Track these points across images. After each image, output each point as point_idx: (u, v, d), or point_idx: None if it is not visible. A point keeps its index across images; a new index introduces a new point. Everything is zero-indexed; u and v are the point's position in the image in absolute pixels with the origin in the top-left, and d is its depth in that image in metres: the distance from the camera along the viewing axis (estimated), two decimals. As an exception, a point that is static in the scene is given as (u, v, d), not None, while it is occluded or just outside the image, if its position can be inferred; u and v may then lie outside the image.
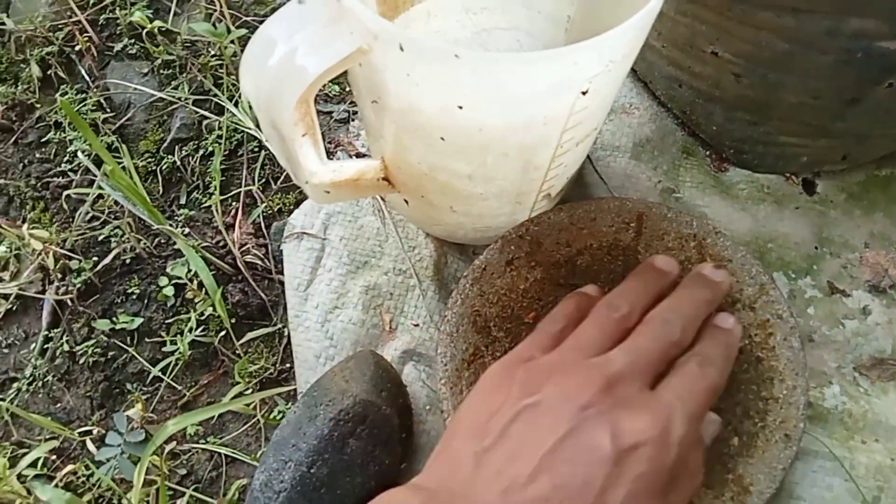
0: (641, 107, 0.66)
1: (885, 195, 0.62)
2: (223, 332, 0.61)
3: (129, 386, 0.62)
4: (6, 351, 0.65)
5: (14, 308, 0.67)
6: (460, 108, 0.37)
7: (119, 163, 0.69)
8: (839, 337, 0.57)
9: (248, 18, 0.76)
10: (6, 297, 0.66)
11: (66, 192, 0.68)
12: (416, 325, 0.59)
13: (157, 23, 0.70)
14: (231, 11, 0.76)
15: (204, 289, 0.59)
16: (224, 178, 0.67)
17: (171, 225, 0.63)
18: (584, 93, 0.38)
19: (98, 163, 0.69)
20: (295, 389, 0.58)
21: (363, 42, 0.35)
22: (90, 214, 0.67)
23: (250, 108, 0.68)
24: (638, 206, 0.55)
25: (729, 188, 0.63)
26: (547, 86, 0.37)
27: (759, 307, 0.52)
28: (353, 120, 0.68)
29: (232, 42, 0.69)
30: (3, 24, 0.77)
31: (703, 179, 0.63)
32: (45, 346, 0.64)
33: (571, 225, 0.56)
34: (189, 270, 0.62)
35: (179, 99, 0.71)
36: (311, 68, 0.35)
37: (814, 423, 0.54)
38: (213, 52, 0.72)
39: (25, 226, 0.64)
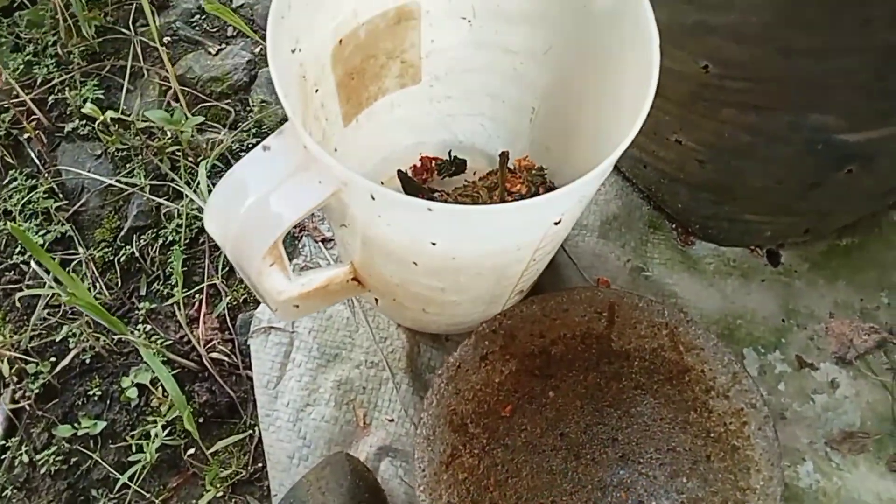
0: (607, 183, 0.66)
1: (847, 264, 0.63)
2: (198, 429, 0.59)
3: (94, 493, 0.60)
4: (-40, 460, 0.62)
5: (-34, 414, 0.63)
6: (433, 244, 0.37)
7: (74, 256, 0.67)
8: (810, 413, 0.58)
9: (204, 96, 0.74)
10: (-42, 403, 0.63)
11: (18, 294, 0.65)
12: (391, 420, 0.58)
13: (110, 113, 0.67)
14: (185, 88, 0.74)
15: (169, 395, 0.57)
16: (185, 268, 0.65)
17: (131, 320, 0.61)
18: (556, 223, 0.38)
19: (51, 252, 0.67)
20: (269, 488, 0.57)
21: (334, 188, 0.34)
22: (45, 312, 0.65)
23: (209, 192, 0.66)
24: (609, 295, 0.55)
25: (696, 262, 0.63)
26: (521, 224, 0.36)
27: (732, 395, 0.52)
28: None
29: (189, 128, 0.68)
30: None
31: (671, 255, 0.63)
32: (2, 457, 0.61)
33: (544, 317, 0.55)
34: (154, 376, 0.60)
35: (135, 185, 0.69)
36: (286, 218, 0.34)
37: (790, 504, 0.55)
38: (168, 136, 0.70)
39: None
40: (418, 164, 0.62)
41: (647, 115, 0.57)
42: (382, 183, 0.61)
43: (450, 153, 0.62)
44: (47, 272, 0.62)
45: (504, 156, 0.58)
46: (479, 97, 0.58)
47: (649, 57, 0.36)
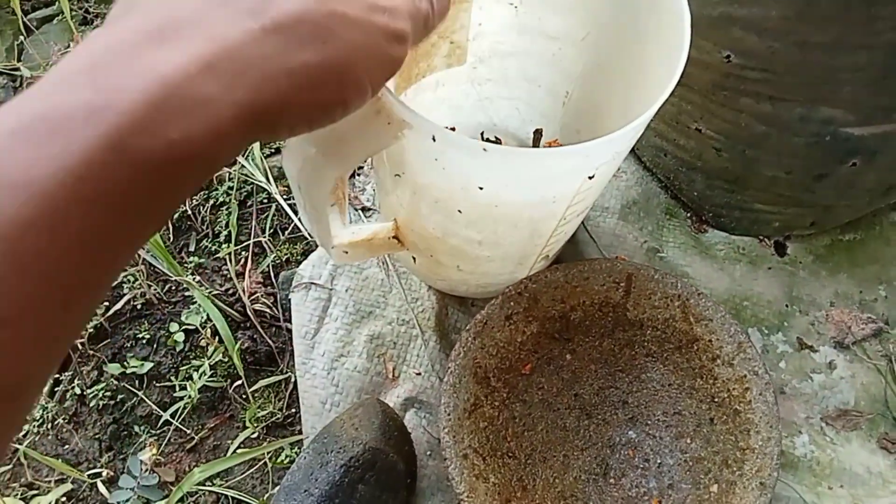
0: (629, 171, 0.71)
1: (848, 258, 0.68)
2: (235, 377, 0.64)
3: (137, 429, 0.64)
4: (14, 392, 0.67)
5: (23, 350, 0.68)
6: (481, 188, 0.42)
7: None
8: (808, 389, 0.62)
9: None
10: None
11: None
12: (418, 374, 0.63)
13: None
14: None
15: (217, 336, 0.62)
16: (233, 228, 0.70)
17: (183, 273, 0.66)
18: (590, 177, 0.42)
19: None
20: (300, 432, 0.61)
21: (399, 132, 0.39)
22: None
23: (261, 160, 0.71)
24: (627, 267, 0.60)
25: (708, 248, 0.68)
26: (561, 172, 0.41)
27: (736, 363, 0.57)
28: (358, 175, 0.72)
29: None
30: (18, 70, 0.79)
31: (685, 240, 0.68)
32: (55, 389, 0.66)
33: (566, 283, 0.60)
34: (203, 318, 0.65)
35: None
36: (353, 157, 0.39)
37: (785, 471, 0.59)
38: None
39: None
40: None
41: (670, 104, 0.62)
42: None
43: (482, 134, 0.67)
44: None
45: (538, 133, 0.63)
46: (517, 81, 0.63)
47: (681, 41, 0.41)
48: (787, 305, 0.66)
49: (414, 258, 0.58)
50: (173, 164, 0.18)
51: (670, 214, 0.70)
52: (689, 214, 0.70)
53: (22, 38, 0.85)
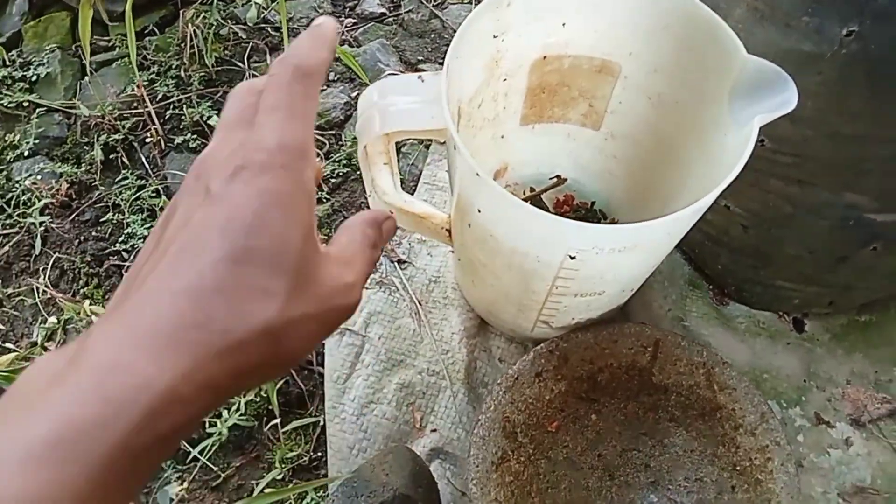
0: (655, 241, 0.74)
1: (864, 339, 0.70)
2: (265, 418, 0.65)
3: (164, 465, 0.65)
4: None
5: (56, 377, 0.70)
6: (479, 211, 0.46)
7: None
8: (825, 464, 0.64)
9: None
10: (51, 365, 0.69)
11: (122, 272, 0.72)
12: (446, 425, 0.64)
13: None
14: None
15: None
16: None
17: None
18: (572, 257, 0.45)
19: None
20: (325, 475, 0.62)
21: (438, 126, 0.43)
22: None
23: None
24: (655, 333, 0.62)
25: (729, 320, 0.70)
26: (540, 235, 0.44)
27: (759, 433, 0.59)
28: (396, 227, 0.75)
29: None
30: (74, 107, 0.83)
31: (708, 311, 0.70)
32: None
33: (596, 344, 0.62)
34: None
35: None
36: (393, 122, 0.44)
37: (804, 545, 0.60)
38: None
39: (87, 302, 0.68)
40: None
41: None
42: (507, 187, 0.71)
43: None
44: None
45: (557, 179, 0.68)
46: (560, 159, 0.67)
47: (749, 135, 0.43)
48: (804, 381, 0.68)
49: (459, 259, 0.62)
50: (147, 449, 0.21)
51: (693, 286, 0.72)
52: (711, 287, 0.72)
53: (79, 79, 0.89)
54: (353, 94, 0.86)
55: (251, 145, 0.25)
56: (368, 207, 0.78)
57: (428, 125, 0.44)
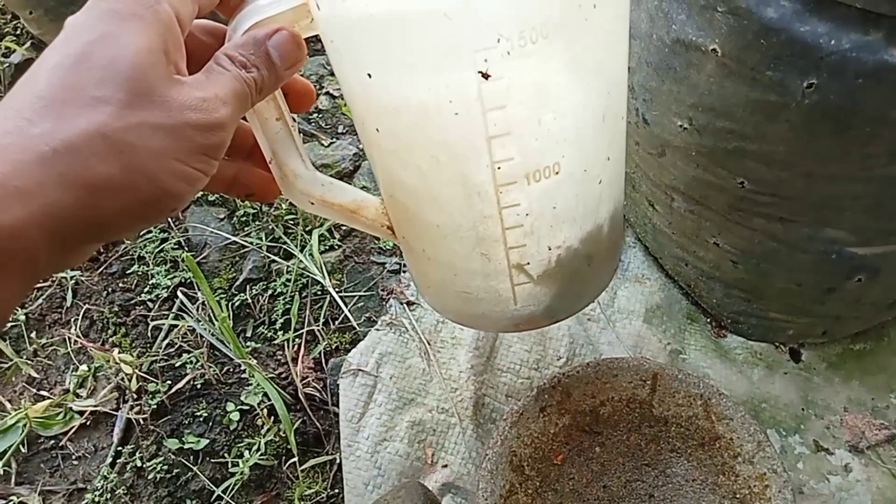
0: (652, 278, 0.77)
1: (860, 367, 0.73)
2: (283, 457, 0.69)
3: (189, 502, 0.69)
4: (76, 462, 0.72)
5: (87, 423, 0.74)
6: (369, 76, 0.34)
7: (193, 298, 0.79)
8: (825, 490, 0.65)
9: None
10: (82, 412, 0.74)
11: (150, 322, 0.77)
12: (457, 461, 0.67)
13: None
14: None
15: (272, 416, 0.68)
16: (289, 317, 0.77)
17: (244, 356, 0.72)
18: (485, 76, 0.33)
19: (171, 296, 0.79)
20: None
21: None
22: (166, 341, 0.76)
23: (318, 255, 0.79)
24: (654, 366, 0.65)
25: (727, 352, 0.73)
26: (434, 52, 0.33)
27: (756, 461, 0.61)
28: (403, 271, 0.79)
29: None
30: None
31: (706, 344, 0.73)
32: (116, 461, 0.71)
33: (597, 378, 0.65)
34: (259, 399, 0.70)
35: (252, 244, 0.82)
36: (251, 16, 0.34)
37: (806, 570, 0.61)
38: (284, 207, 0.84)
39: (116, 350, 0.73)
40: None
41: (690, 220, 0.68)
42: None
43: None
44: (192, 302, 0.74)
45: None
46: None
47: None
48: (802, 409, 0.70)
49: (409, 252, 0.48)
50: None
51: (691, 319, 0.75)
52: (708, 320, 0.75)
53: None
54: (361, 147, 0.91)
55: None
56: (378, 252, 0.83)
57: (289, 3, 0.34)
